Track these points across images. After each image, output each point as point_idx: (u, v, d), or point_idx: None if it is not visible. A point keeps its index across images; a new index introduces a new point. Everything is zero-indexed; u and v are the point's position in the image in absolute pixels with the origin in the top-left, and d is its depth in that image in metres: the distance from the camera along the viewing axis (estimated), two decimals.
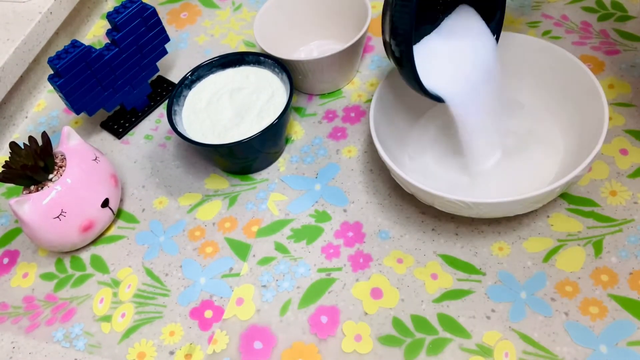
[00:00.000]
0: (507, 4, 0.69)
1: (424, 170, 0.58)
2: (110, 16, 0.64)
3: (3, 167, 0.57)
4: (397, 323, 0.52)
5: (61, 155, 0.60)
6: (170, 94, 0.66)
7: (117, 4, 0.77)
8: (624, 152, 0.58)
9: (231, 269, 0.57)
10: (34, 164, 0.56)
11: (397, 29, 0.47)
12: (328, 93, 0.69)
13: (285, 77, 0.63)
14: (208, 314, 0.55)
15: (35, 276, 0.61)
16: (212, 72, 0.66)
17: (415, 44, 0.53)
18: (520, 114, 0.60)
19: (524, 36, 0.58)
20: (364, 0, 0.67)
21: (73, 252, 0.62)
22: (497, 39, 0.55)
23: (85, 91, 0.65)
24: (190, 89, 0.65)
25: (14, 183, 0.57)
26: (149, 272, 0.59)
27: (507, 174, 0.57)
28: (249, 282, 0.56)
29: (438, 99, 0.53)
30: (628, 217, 0.54)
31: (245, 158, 0.62)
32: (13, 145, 0.58)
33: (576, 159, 0.52)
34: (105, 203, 0.60)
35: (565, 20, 0.70)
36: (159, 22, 0.68)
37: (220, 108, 0.64)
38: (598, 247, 0.53)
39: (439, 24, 0.55)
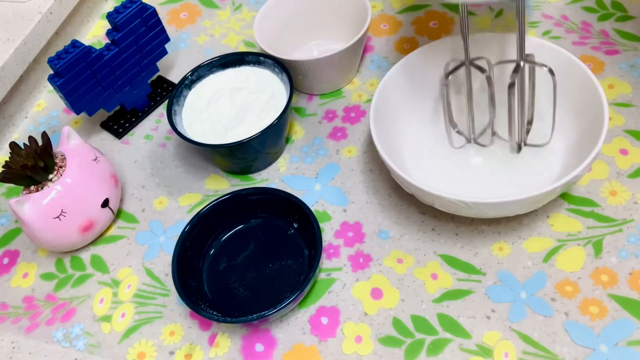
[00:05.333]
0: (507, 4, 0.69)
1: (424, 170, 0.58)
2: (110, 16, 0.64)
3: (3, 167, 0.57)
4: (397, 323, 0.52)
5: (61, 155, 0.60)
6: (170, 94, 0.66)
7: (117, 4, 0.77)
8: (624, 152, 0.58)
9: None
10: (34, 164, 0.56)
11: None
12: (328, 93, 0.69)
13: (285, 77, 0.63)
14: None
15: (35, 276, 0.61)
16: (212, 72, 0.66)
17: None
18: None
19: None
20: (364, 0, 0.67)
21: (73, 252, 0.62)
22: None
23: (85, 91, 0.65)
24: (190, 89, 0.65)
25: (14, 183, 0.57)
26: (149, 272, 0.59)
27: (507, 174, 0.57)
28: None
29: None
30: (628, 217, 0.54)
31: (245, 158, 0.62)
32: (13, 145, 0.58)
33: (576, 159, 0.52)
34: (105, 203, 0.60)
35: (565, 20, 0.70)
36: (159, 22, 0.68)
37: (220, 108, 0.64)
38: (598, 247, 0.53)
39: None
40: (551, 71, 0.52)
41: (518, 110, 0.54)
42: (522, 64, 0.52)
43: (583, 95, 0.54)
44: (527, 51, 0.58)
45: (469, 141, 0.59)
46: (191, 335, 0.54)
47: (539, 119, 0.57)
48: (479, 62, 0.55)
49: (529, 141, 0.57)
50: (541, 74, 0.58)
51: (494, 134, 0.58)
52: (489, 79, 0.53)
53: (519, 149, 0.56)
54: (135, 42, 0.66)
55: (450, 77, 0.57)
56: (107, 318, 0.56)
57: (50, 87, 0.79)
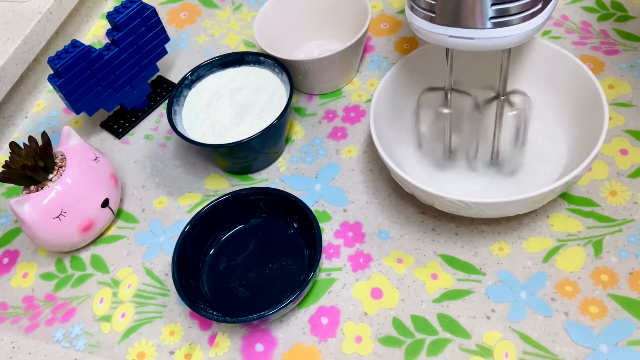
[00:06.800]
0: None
1: (424, 170, 0.58)
2: (110, 16, 0.64)
3: (3, 167, 0.57)
4: (397, 323, 0.52)
5: (61, 155, 0.60)
6: (170, 94, 0.66)
7: (117, 4, 0.77)
8: (624, 152, 0.58)
9: None
10: (34, 164, 0.56)
11: None
12: (328, 93, 0.69)
13: (285, 77, 0.63)
14: None
15: (35, 276, 0.61)
16: (212, 72, 0.66)
17: None
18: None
19: None
20: (364, 0, 0.67)
21: (73, 252, 0.62)
22: None
23: (85, 91, 0.65)
24: (190, 89, 0.65)
25: (14, 183, 0.57)
26: (149, 272, 0.59)
27: (508, 174, 0.57)
28: None
29: None
30: (628, 217, 0.54)
31: (245, 158, 0.62)
32: (13, 145, 0.58)
33: (576, 159, 0.52)
34: (105, 203, 0.60)
35: (565, 20, 0.70)
36: (159, 22, 0.68)
37: (220, 108, 0.64)
38: (598, 247, 0.53)
39: None
40: (520, 115, 0.52)
41: (495, 139, 0.55)
42: (502, 99, 0.53)
43: (583, 95, 0.54)
44: (527, 51, 0.59)
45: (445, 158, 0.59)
46: (191, 335, 0.54)
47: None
48: (460, 93, 0.55)
49: (502, 166, 0.57)
50: (540, 73, 0.58)
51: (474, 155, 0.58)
52: (469, 110, 0.54)
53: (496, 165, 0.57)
54: (135, 42, 0.66)
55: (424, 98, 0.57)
56: (107, 318, 0.56)
57: (50, 87, 0.79)
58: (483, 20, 0.43)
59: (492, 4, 0.42)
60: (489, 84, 0.55)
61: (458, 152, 0.58)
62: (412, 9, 0.47)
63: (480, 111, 0.55)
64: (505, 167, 0.57)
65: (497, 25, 0.43)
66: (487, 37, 0.44)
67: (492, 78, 0.56)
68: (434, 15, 0.45)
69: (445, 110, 0.55)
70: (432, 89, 0.55)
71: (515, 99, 0.53)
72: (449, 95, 0.54)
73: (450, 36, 0.45)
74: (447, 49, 0.51)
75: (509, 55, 0.50)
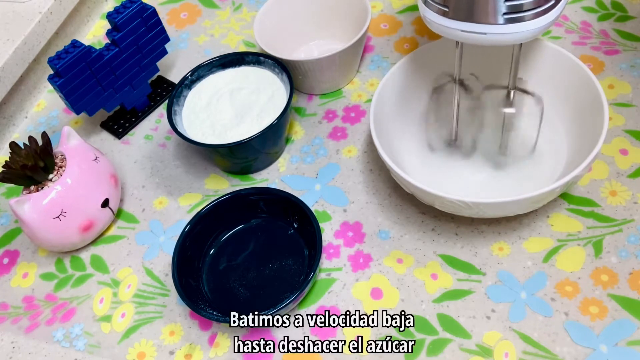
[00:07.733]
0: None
1: (424, 170, 0.58)
2: (110, 16, 0.64)
3: (3, 167, 0.57)
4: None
5: (61, 155, 0.60)
6: (170, 94, 0.66)
7: (117, 4, 0.77)
8: (624, 152, 0.58)
9: None
10: (34, 164, 0.56)
11: None
12: (328, 93, 0.69)
13: (285, 77, 0.63)
14: None
15: (35, 276, 0.61)
16: (212, 72, 0.66)
17: None
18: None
19: None
20: (364, 0, 0.67)
21: (73, 252, 0.62)
22: None
23: (85, 91, 0.65)
24: (190, 89, 0.66)
25: (14, 183, 0.57)
26: (149, 272, 0.59)
27: (507, 174, 0.57)
28: None
29: None
30: (628, 217, 0.54)
31: (245, 158, 0.62)
32: (13, 145, 0.58)
33: (576, 159, 0.52)
34: (105, 203, 0.60)
35: (565, 20, 0.70)
36: (159, 22, 0.68)
37: (220, 108, 0.64)
38: (598, 247, 0.53)
39: None
40: (539, 99, 0.52)
41: (504, 131, 0.55)
42: (512, 92, 0.53)
43: (583, 95, 0.54)
44: (527, 51, 0.58)
45: (449, 145, 0.59)
46: (191, 335, 0.54)
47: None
48: (469, 82, 0.55)
49: (513, 153, 0.57)
50: (540, 73, 0.58)
51: (475, 146, 0.58)
52: (477, 100, 0.54)
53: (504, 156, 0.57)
54: (135, 42, 0.66)
55: (437, 90, 0.57)
56: (107, 318, 0.56)
57: (50, 87, 0.79)
58: (496, 16, 0.44)
59: (506, 0, 0.43)
60: (498, 76, 0.55)
61: (463, 142, 0.58)
62: (425, 2, 0.47)
63: (488, 103, 0.55)
64: (509, 159, 0.57)
65: (509, 21, 0.44)
66: (499, 32, 0.45)
67: (502, 70, 0.56)
68: (447, 9, 0.45)
69: (453, 100, 0.55)
70: (441, 79, 0.55)
71: (528, 98, 0.53)
72: (456, 86, 0.54)
73: (462, 31, 0.46)
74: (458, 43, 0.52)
75: (520, 47, 0.50)
